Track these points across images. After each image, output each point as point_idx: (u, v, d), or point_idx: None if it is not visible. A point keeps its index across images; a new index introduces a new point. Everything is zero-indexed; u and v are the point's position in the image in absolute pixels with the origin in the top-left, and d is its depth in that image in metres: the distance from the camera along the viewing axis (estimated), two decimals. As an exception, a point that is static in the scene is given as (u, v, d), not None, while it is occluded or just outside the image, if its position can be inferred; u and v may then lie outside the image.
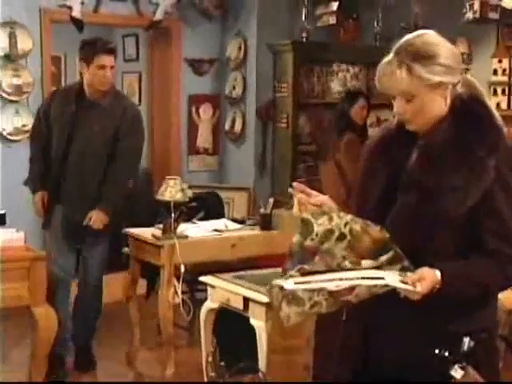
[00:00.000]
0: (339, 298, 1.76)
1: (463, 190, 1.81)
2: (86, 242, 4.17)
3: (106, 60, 4.03)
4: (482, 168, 1.82)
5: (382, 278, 1.72)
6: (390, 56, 1.85)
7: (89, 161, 4.07)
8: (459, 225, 1.83)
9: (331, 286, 1.74)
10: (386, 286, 1.74)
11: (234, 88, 6.21)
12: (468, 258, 1.84)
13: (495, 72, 5.09)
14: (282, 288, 1.75)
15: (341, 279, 1.74)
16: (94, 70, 4.02)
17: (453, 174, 1.82)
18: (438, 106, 1.87)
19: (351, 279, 1.73)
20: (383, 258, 1.77)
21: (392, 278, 1.73)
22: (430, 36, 1.87)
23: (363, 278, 1.73)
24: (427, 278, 1.77)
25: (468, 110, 1.89)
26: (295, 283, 1.74)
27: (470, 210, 1.83)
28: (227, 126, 6.31)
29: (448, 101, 1.89)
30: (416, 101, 1.84)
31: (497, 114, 1.92)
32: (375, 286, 1.74)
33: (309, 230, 1.78)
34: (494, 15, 4.73)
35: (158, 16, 5.80)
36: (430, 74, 1.82)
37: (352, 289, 1.75)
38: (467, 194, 1.81)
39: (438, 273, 1.79)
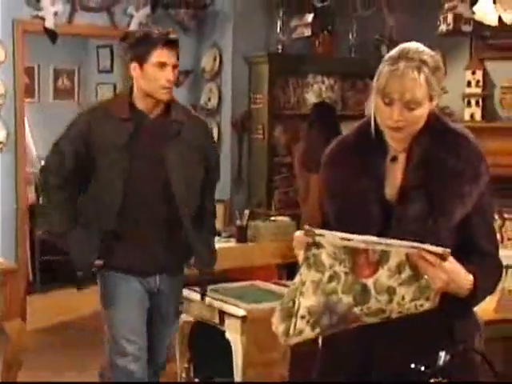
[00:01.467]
0: (359, 279, 1.71)
1: (467, 196, 1.86)
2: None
3: (168, 55, 2.86)
4: (479, 174, 1.87)
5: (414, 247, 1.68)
6: (407, 63, 1.83)
7: (163, 208, 2.91)
8: (457, 228, 1.87)
9: (359, 244, 1.67)
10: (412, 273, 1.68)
11: (209, 99, 6.21)
12: (469, 262, 1.85)
13: (469, 84, 5.15)
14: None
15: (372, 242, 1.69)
16: (150, 69, 2.84)
17: (457, 180, 1.86)
18: (425, 118, 1.89)
19: (380, 244, 1.68)
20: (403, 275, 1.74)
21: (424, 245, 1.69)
22: (426, 48, 1.89)
23: (391, 245, 1.69)
24: (457, 264, 1.77)
25: (441, 123, 1.92)
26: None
27: (467, 212, 1.87)
28: (203, 138, 6.28)
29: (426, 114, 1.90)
30: (418, 110, 1.85)
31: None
32: (398, 270, 1.69)
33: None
34: (467, 28, 4.78)
35: (133, 27, 5.78)
36: (438, 86, 1.85)
37: (375, 268, 1.70)
38: (470, 199, 1.86)
39: (469, 275, 1.80)
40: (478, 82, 5.11)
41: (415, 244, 1.69)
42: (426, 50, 1.88)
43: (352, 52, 6.03)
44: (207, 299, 3.50)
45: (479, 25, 4.69)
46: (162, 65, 2.84)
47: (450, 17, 4.74)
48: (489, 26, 4.63)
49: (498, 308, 1.53)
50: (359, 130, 1.99)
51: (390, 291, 1.73)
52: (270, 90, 5.82)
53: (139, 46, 2.88)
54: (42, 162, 3.13)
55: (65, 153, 2.91)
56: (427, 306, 1.74)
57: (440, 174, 1.87)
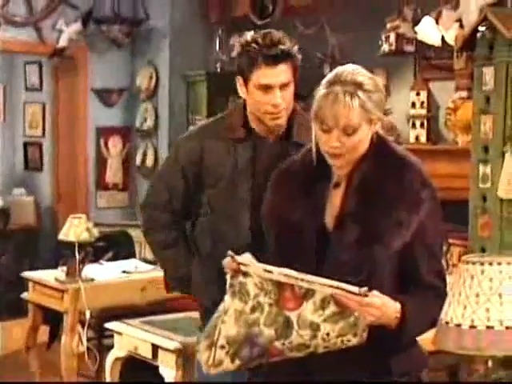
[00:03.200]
0: (283, 311, 1.73)
1: (406, 224, 1.85)
2: None
3: (272, 75, 2.40)
4: (419, 201, 1.87)
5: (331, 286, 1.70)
6: (340, 87, 1.85)
7: None
8: (395, 258, 1.87)
9: (281, 277, 1.70)
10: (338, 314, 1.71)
11: (145, 120, 6.17)
12: (408, 293, 1.86)
13: (413, 105, 5.23)
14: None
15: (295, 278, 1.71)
16: (253, 91, 2.45)
17: (396, 207, 1.86)
18: (367, 142, 1.91)
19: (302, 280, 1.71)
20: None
21: (343, 284, 1.71)
22: (364, 70, 1.92)
23: (313, 283, 1.71)
24: (385, 298, 1.77)
25: (386, 146, 1.94)
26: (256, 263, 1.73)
27: (405, 243, 1.87)
28: (138, 160, 6.24)
29: (368, 140, 1.92)
30: (356, 136, 1.87)
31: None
32: (322, 305, 1.71)
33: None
34: (409, 48, 4.88)
35: (62, 43, 5.71)
36: (374, 108, 1.87)
37: (301, 301, 1.72)
38: (408, 228, 1.86)
39: (396, 304, 1.80)
40: (422, 103, 5.19)
41: (334, 283, 1.71)
42: (363, 71, 1.91)
43: (293, 71, 6.09)
44: (140, 332, 3.45)
45: (422, 45, 4.80)
46: (266, 87, 2.39)
47: (392, 36, 4.83)
48: (432, 46, 4.74)
49: (434, 339, 1.55)
50: (306, 154, 2.01)
51: (314, 327, 1.73)
52: (209, 110, 5.82)
53: (241, 59, 2.46)
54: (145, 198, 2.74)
55: (174, 185, 2.61)
56: (355, 341, 1.75)
57: (377, 200, 1.88)
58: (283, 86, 2.39)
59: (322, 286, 1.70)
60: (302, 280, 1.70)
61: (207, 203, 2.57)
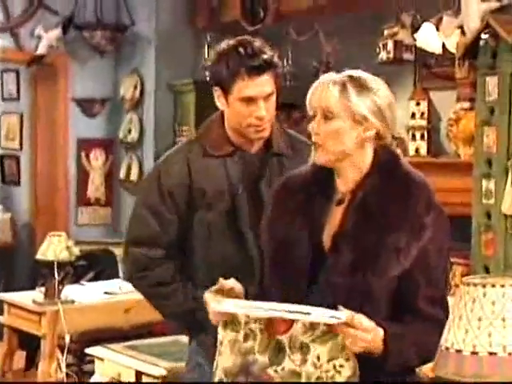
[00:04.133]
0: (275, 335, 1.77)
1: (404, 251, 1.85)
2: None
3: (255, 86, 2.40)
4: (421, 226, 1.87)
5: (309, 314, 1.73)
6: (332, 75, 1.95)
7: None
8: (392, 285, 1.86)
9: (265, 313, 1.74)
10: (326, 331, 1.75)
11: (129, 131, 6.18)
12: (403, 322, 1.87)
13: (413, 115, 5.25)
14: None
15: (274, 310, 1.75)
16: (235, 104, 2.44)
17: (395, 232, 1.85)
18: (351, 144, 1.91)
19: (281, 311, 1.74)
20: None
21: (321, 314, 1.74)
22: (377, 78, 1.96)
23: (290, 312, 1.74)
24: (366, 322, 1.77)
25: (394, 163, 1.95)
26: (234, 305, 1.77)
27: (404, 270, 1.86)
28: (122, 174, 6.24)
29: (369, 152, 1.93)
30: (333, 123, 1.90)
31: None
32: (312, 326, 1.76)
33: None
34: (408, 56, 4.90)
35: (41, 50, 5.73)
36: (359, 103, 1.88)
37: (291, 322, 1.76)
38: (407, 255, 1.85)
39: (380, 330, 1.80)
40: (422, 113, 5.22)
41: (314, 318, 1.73)
42: (365, 73, 1.95)
43: (287, 80, 6.11)
44: (123, 358, 3.44)
45: (422, 52, 4.83)
46: (249, 99, 2.39)
47: (390, 44, 4.85)
48: (432, 54, 4.77)
49: (434, 366, 1.56)
50: (308, 169, 2.03)
51: (304, 350, 1.76)
52: (198, 121, 5.83)
53: (219, 69, 2.42)
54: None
55: (163, 214, 2.50)
56: (347, 368, 1.75)
57: (376, 222, 1.88)
58: (267, 97, 2.41)
59: (304, 315, 1.73)
60: (285, 312, 1.74)
61: (205, 227, 2.50)
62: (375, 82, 1.93)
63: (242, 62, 2.36)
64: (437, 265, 1.91)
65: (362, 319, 1.76)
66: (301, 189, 2.00)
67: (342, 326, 1.74)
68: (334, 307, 1.76)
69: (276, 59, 2.43)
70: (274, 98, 2.45)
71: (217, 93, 2.47)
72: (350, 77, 1.92)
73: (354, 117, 1.89)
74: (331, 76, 1.94)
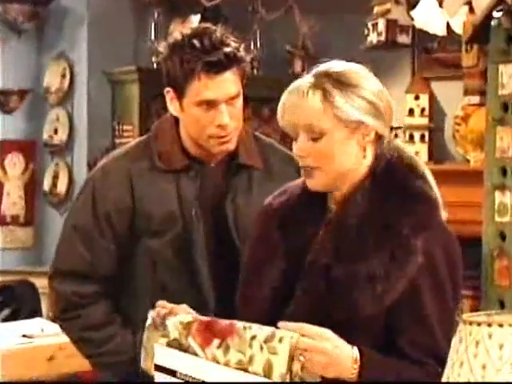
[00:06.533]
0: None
1: (382, 281, 1.87)
2: None
3: (215, 87, 2.40)
4: (407, 250, 1.89)
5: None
6: (306, 78, 1.97)
7: None
8: (377, 326, 1.90)
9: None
10: None
11: (55, 132, 6.16)
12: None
13: (411, 112, 5.29)
14: None
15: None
16: (191, 110, 2.45)
17: (370, 258, 1.88)
18: (353, 157, 1.96)
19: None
20: None
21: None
22: (356, 66, 2.00)
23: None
24: (339, 340, 1.82)
25: (393, 174, 1.99)
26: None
27: (389, 306, 1.89)
28: (46, 186, 6.22)
29: (369, 157, 1.98)
30: (325, 140, 1.92)
31: (433, 183, 2.03)
32: None
33: None
34: (404, 39, 4.95)
35: None
36: (349, 107, 1.91)
37: None
38: (387, 287, 1.87)
39: (355, 350, 1.84)
40: (422, 109, 5.27)
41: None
42: (348, 63, 2.00)
43: (254, 68, 6.13)
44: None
45: (421, 34, 4.88)
46: (208, 103, 2.40)
47: (381, 23, 4.90)
48: (434, 36, 4.81)
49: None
50: (296, 186, 2.10)
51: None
52: (142, 118, 5.84)
53: (171, 67, 2.44)
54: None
55: (97, 241, 2.52)
56: None
57: (356, 247, 1.91)
58: (231, 100, 2.40)
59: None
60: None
61: (150, 258, 2.52)
62: (356, 72, 1.97)
63: (198, 57, 2.35)
64: (430, 300, 1.92)
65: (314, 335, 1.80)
66: (285, 209, 2.07)
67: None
68: None
69: (242, 52, 2.44)
70: (240, 100, 2.45)
71: (168, 95, 2.47)
72: (327, 74, 1.94)
73: (346, 124, 1.92)
74: (304, 81, 1.95)
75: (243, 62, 2.44)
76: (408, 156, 2.04)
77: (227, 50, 2.38)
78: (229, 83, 2.39)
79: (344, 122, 1.92)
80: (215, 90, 2.38)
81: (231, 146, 2.47)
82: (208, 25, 2.48)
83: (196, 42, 2.38)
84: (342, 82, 1.93)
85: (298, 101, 1.93)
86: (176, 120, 2.53)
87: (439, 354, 1.89)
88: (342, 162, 1.95)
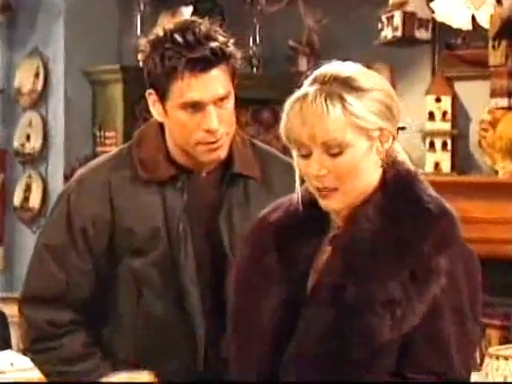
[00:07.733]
0: None
1: (401, 305, 1.88)
2: None
3: (200, 87, 2.42)
4: (429, 270, 1.90)
5: None
6: (311, 85, 1.93)
7: None
8: (395, 352, 1.91)
9: None
10: None
11: (27, 138, 6.17)
12: None
13: (431, 116, 5.28)
14: None
15: None
16: (176, 114, 2.47)
17: (386, 281, 1.89)
18: (373, 168, 1.96)
19: None
20: None
21: None
22: (357, 65, 2.00)
23: None
24: None
25: (405, 186, 1.99)
26: None
27: (407, 332, 1.90)
28: (17, 199, 6.24)
29: (379, 167, 1.98)
30: (347, 154, 1.92)
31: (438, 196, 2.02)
32: None
33: None
34: (423, 34, 4.94)
35: None
36: (368, 113, 1.92)
37: None
38: (407, 311, 1.88)
39: None
40: (444, 113, 5.26)
41: None
42: (355, 65, 1.99)
43: (254, 66, 6.14)
44: None
45: (443, 28, 4.88)
46: (194, 105, 2.42)
47: (397, 17, 4.90)
48: (457, 31, 4.82)
49: None
50: (294, 198, 2.08)
51: None
52: (127, 123, 5.84)
53: (153, 65, 2.45)
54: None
55: (73, 263, 2.52)
56: None
57: (368, 266, 1.91)
58: (219, 101, 2.42)
59: None
60: None
61: (133, 280, 2.53)
62: (364, 72, 1.98)
63: (180, 53, 2.36)
64: (451, 332, 1.92)
65: None
66: (282, 225, 2.07)
67: None
68: None
69: (232, 48, 2.44)
70: (230, 102, 2.45)
71: (150, 98, 2.49)
72: (338, 79, 1.93)
73: (368, 134, 1.93)
74: (311, 88, 1.93)
75: (233, 59, 2.44)
76: (402, 160, 2.04)
77: (213, 45, 2.39)
78: (216, 82, 2.40)
79: (365, 131, 1.92)
80: (201, 90, 2.38)
81: (222, 154, 2.48)
82: (194, 18, 2.48)
83: (178, 37, 2.38)
84: (355, 87, 1.93)
85: (314, 114, 1.91)
86: (162, 125, 2.54)
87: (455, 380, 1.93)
88: (364, 177, 1.96)
